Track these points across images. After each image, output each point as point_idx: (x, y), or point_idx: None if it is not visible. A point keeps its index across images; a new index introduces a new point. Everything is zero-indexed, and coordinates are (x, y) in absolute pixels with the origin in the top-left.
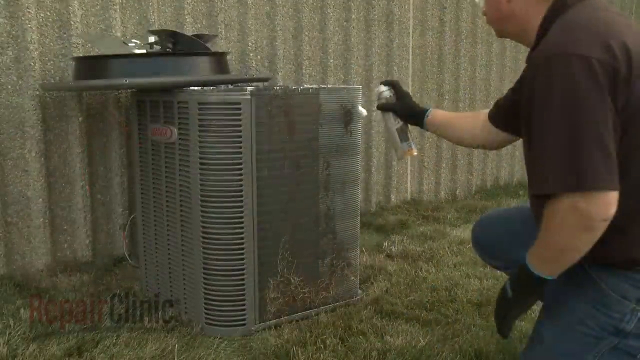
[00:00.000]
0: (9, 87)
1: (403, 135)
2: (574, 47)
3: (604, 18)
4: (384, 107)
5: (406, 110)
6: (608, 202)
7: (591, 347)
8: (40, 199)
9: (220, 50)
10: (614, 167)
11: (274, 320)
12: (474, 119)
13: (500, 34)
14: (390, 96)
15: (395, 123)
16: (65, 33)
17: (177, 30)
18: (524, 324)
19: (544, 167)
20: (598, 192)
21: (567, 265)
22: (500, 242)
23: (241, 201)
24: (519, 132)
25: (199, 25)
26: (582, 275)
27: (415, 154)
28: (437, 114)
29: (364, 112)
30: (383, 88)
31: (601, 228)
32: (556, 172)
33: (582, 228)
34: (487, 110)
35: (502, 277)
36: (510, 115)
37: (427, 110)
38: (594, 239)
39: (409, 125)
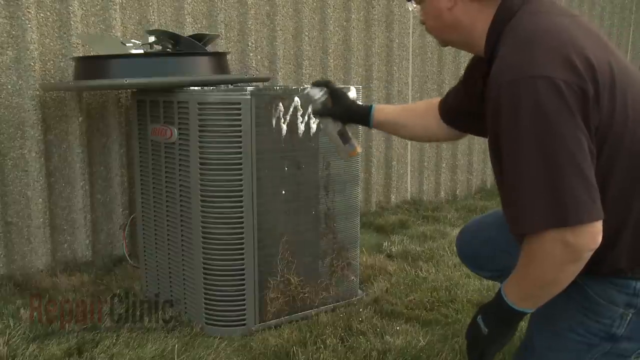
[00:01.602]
0: (9, 87)
1: (344, 137)
2: (537, 67)
3: (560, 26)
4: (321, 112)
5: (346, 113)
6: (596, 232)
7: (584, 353)
8: (40, 199)
9: (220, 50)
10: (596, 194)
11: (274, 320)
12: (426, 115)
13: (444, 43)
14: (326, 99)
15: (335, 127)
16: (65, 33)
17: (172, 31)
18: (522, 323)
19: (524, 204)
20: (585, 224)
21: (549, 298)
22: (482, 252)
23: (241, 201)
24: (480, 133)
25: (199, 25)
26: (570, 283)
27: (360, 150)
28: (382, 111)
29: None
30: (315, 91)
31: (587, 258)
32: (538, 209)
33: (569, 261)
34: (435, 102)
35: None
36: (467, 115)
37: (370, 108)
38: (578, 269)
39: (348, 125)
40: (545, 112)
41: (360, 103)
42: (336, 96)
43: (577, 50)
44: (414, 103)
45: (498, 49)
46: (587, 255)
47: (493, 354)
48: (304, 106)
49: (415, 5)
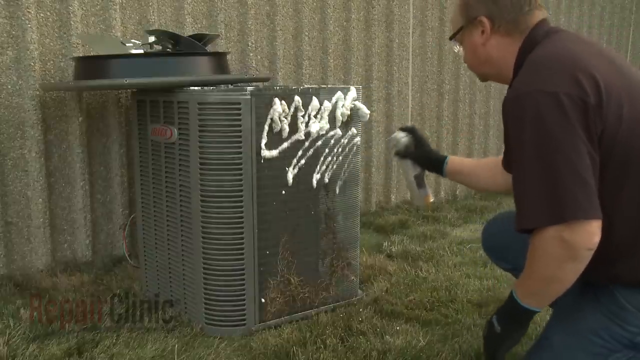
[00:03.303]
0: (9, 87)
1: (421, 182)
2: (541, 84)
3: (571, 50)
4: (402, 155)
5: (425, 159)
6: (591, 231)
7: (602, 358)
8: (40, 199)
9: (220, 50)
10: (593, 196)
11: (274, 320)
12: (491, 165)
13: (484, 78)
14: (409, 143)
15: (413, 170)
16: (65, 33)
17: (172, 31)
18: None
19: (526, 203)
20: (581, 221)
21: (554, 297)
22: (510, 244)
23: (241, 201)
24: None
25: (199, 25)
26: (599, 286)
27: (432, 200)
28: (455, 162)
29: (366, 112)
30: (401, 134)
31: (586, 257)
32: (538, 207)
33: (567, 258)
34: (499, 157)
35: (502, 277)
36: None
37: (445, 158)
38: (578, 269)
39: (425, 172)
40: (544, 121)
41: (438, 151)
42: (419, 142)
43: (582, 69)
44: (484, 158)
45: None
46: (585, 254)
47: (506, 351)
48: (388, 148)
49: (459, 47)
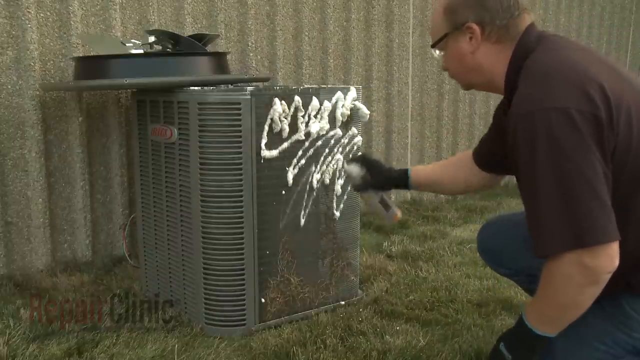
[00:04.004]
0: (9, 87)
1: (385, 204)
2: (552, 100)
3: (574, 60)
4: (361, 188)
5: (385, 180)
6: (613, 254)
7: None
8: (40, 199)
9: (220, 50)
10: (612, 216)
11: (274, 320)
12: (461, 166)
13: (468, 87)
14: (363, 172)
15: (376, 197)
16: (65, 33)
17: (172, 31)
18: None
19: (544, 227)
20: (602, 245)
21: (570, 322)
22: (507, 248)
23: (241, 201)
24: (512, 172)
25: (199, 25)
26: (604, 295)
27: (400, 216)
28: (420, 172)
29: (366, 112)
30: (352, 168)
31: (605, 281)
32: (557, 232)
33: (588, 283)
34: (468, 152)
35: (503, 277)
36: (500, 157)
37: (407, 172)
38: (597, 292)
39: (389, 192)
40: (558, 141)
41: (395, 168)
42: (372, 167)
43: (590, 81)
44: (447, 159)
45: (517, 86)
46: (605, 277)
47: None
48: (346, 182)
49: (438, 52)
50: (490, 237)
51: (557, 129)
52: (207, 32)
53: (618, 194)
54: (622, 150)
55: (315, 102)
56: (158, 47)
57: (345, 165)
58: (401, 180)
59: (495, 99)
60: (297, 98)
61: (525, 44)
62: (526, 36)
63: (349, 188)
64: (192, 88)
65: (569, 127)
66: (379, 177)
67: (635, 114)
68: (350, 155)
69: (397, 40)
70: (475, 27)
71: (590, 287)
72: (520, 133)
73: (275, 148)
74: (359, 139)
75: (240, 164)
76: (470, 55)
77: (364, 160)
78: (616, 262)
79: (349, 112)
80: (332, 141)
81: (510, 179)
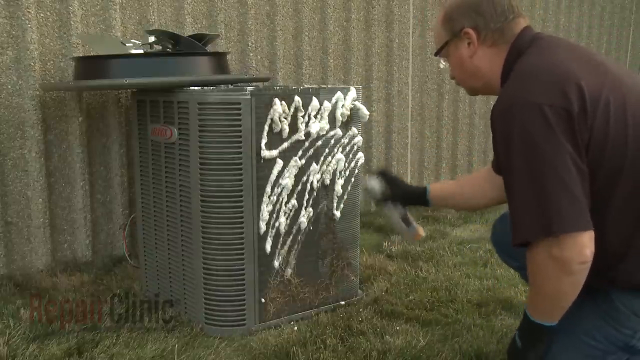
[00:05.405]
0: (9, 87)
1: (407, 220)
2: (526, 96)
3: (556, 59)
4: (382, 200)
5: (405, 196)
6: (581, 244)
7: (597, 359)
8: (40, 199)
9: (220, 50)
10: (582, 207)
11: (274, 320)
12: (479, 180)
13: (473, 92)
14: (384, 187)
15: (398, 213)
16: (65, 33)
17: (172, 31)
18: None
19: (517, 217)
20: (569, 234)
21: (564, 309)
22: None
23: (241, 201)
24: None
25: (199, 25)
26: (599, 289)
27: (423, 234)
28: (437, 189)
29: (366, 112)
30: (374, 181)
31: (581, 271)
32: (527, 222)
33: (561, 272)
34: (488, 166)
35: (502, 277)
36: None
37: (426, 188)
38: (577, 281)
39: (407, 209)
40: (530, 135)
41: (414, 185)
42: (392, 182)
43: (568, 78)
44: (467, 176)
45: None
46: (578, 268)
47: None
48: (365, 198)
49: (445, 63)
50: (503, 229)
51: (529, 124)
52: (207, 32)
53: (597, 187)
54: (598, 144)
55: (315, 102)
56: (158, 47)
57: (366, 180)
58: (420, 196)
59: (495, 99)
60: (297, 98)
61: (518, 46)
62: (520, 38)
63: (360, 195)
64: (192, 88)
65: (540, 122)
66: (399, 191)
67: (614, 109)
68: (371, 171)
69: (397, 40)
70: (471, 31)
71: (567, 277)
72: (498, 128)
73: (275, 148)
74: (359, 139)
75: (240, 164)
76: (469, 60)
77: (385, 176)
78: (587, 252)
79: (348, 112)
80: (332, 141)
81: None
